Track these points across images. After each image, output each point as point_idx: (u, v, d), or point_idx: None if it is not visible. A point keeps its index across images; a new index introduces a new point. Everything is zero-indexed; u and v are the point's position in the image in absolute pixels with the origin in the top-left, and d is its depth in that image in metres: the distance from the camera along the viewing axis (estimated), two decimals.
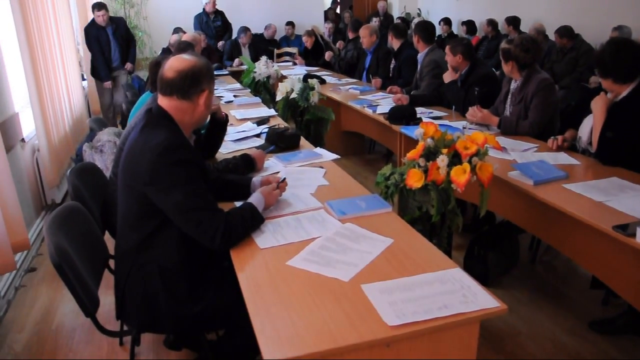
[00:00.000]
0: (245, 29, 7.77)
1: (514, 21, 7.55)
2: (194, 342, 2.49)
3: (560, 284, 3.21)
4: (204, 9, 8.24)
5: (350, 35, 6.86)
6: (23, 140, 3.88)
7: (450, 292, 1.52)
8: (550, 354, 2.56)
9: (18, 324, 2.92)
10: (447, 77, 4.10)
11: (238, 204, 2.15)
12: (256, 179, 2.31)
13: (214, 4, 8.19)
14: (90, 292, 1.90)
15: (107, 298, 2.47)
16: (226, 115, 2.84)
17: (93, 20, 6.31)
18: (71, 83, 5.26)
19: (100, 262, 2.20)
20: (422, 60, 4.68)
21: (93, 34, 6.31)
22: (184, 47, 4.35)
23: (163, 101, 1.91)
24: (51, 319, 2.97)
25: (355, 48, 6.64)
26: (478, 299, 1.48)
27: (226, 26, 8.20)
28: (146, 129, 1.87)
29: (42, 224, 3.96)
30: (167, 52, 5.79)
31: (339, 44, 7.90)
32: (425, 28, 4.78)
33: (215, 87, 2.13)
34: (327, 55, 6.77)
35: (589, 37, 6.29)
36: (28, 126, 4.05)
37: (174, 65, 1.89)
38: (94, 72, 6.45)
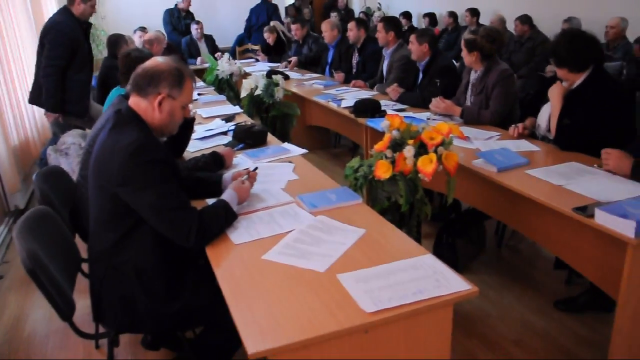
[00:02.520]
0: (196, 22, 7.59)
1: (475, 12, 7.71)
2: (172, 342, 2.49)
3: (526, 266, 3.33)
4: (176, 5, 8.15)
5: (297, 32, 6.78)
6: None
7: (424, 277, 1.58)
8: (519, 333, 2.66)
9: None
10: (393, 95, 4.19)
11: (210, 201, 2.17)
12: (227, 175, 2.32)
13: (189, 3, 8.12)
14: (66, 296, 1.89)
15: (79, 302, 2.44)
16: (193, 114, 2.84)
17: None
18: (29, 83, 5.13)
19: (74, 265, 2.18)
20: (390, 55, 4.74)
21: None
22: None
23: (132, 100, 1.93)
24: (22, 326, 2.91)
25: (315, 43, 6.66)
26: (450, 283, 1.54)
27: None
28: (116, 129, 1.87)
29: (5, 231, 3.88)
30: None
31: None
32: (397, 24, 4.86)
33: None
34: (293, 61, 6.70)
35: (544, 29, 6.50)
36: None
37: (145, 64, 1.92)
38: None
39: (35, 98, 4.17)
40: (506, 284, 3.09)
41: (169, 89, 1.92)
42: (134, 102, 1.93)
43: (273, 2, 8.93)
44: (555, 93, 2.88)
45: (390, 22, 4.77)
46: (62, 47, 4.01)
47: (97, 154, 1.90)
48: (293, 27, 6.81)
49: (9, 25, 4.55)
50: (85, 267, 2.28)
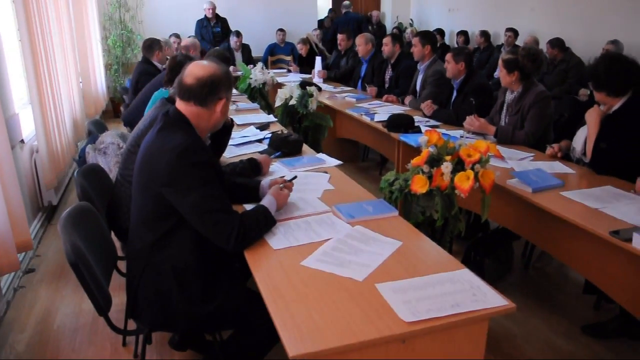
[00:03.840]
0: (236, 33, 7.83)
1: (516, 32, 7.70)
2: (199, 343, 2.53)
3: (553, 289, 3.30)
4: (205, 15, 8.35)
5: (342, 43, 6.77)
6: (22, 141, 3.89)
7: (461, 291, 1.60)
8: (545, 355, 2.64)
9: (19, 325, 2.92)
10: (427, 111, 4.22)
11: (247, 206, 2.22)
12: (265, 181, 2.36)
13: (213, 10, 8.32)
14: (104, 291, 1.94)
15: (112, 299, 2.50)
16: (232, 120, 2.90)
17: None
18: (70, 84, 5.27)
19: (110, 262, 2.24)
20: (425, 70, 4.78)
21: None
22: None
23: (181, 105, 1.97)
24: (52, 319, 2.98)
25: (353, 58, 6.70)
26: (487, 298, 1.56)
27: (226, 33, 8.28)
28: (164, 131, 1.92)
29: (38, 226, 3.98)
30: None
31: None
32: (433, 38, 4.93)
33: None
34: (323, 72, 6.78)
35: (579, 51, 6.47)
36: (26, 127, 4.06)
37: (193, 71, 1.95)
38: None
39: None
40: (533, 306, 3.07)
41: (226, 92, 1.99)
42: (185, 108, 1.96)
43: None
44: (592, 116, 2.88)
45: (427, 36, 4.84)
46: None
47: (143, 154, 1.96)
48: (339, 36, 6.74)
49: (52, 23, 4.68)
50: (119, 264, 2.34)
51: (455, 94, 4.22)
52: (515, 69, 3.44)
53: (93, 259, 1.96)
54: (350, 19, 9.87)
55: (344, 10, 10.33)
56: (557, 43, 6.52)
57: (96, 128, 3.97)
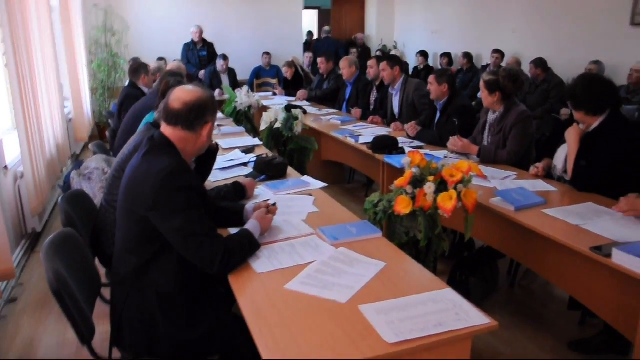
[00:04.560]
0: (223, 57, 7.89)
1: (500, 53, 7.84)
2: None
3: (539, 306, 3.32)
4: (192, 39, 8.42)
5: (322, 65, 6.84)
6: (6, 167, 3.87)
7: (444, 310, 1.61)
8: None
9: (0, 356, 2.86)
10: (411, 132, 4.26)
11: (231, 230, 2.22)
12: (249, 205, 2.37)
13: (200, 34, 8.40)
14: (87, 319, 1.92)
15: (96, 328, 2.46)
16: (217, 144, 2.91)
17: None
18: (53, 109, 5.26)
19: (94, 289, 2.22)
20: (400, 90, 4.91)
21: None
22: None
23: (167, 129, 1.98)
24: (35, 351, 2.91)
25: (335, 80, 6.77)
26: (470, 317, 1.57)
27: (212, 56, 8.36)
28: (149, 155, 1.93)
29: (21, 254, 3.93)
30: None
31: None
32: (399, 59, 5.13)
33: None
34: (302, 93, 6.89)
35: (559, 71, 6.60)
36: (9, 153, 4.04)
37: (180, 96, 1.97)
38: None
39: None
40: (519, 324, 3.08)
41: (212, 116, 2.02)
42: (171, 132, 1.98)
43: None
44: (572, 135, 2.93)
45: (393, 59, 5.01)
46: None
47: (128, 178, 1.96)
48: (319, 60, 6.83)
49: (37, 47, 4.69)
50: (104, 291, 2.32)
51: (438, 115, 4.27)
52: (496, 90, 3.50)
53: (76, 286, 1.94)
54: (330, 43, 10.13)
55: (324, 35, 10.52)
56: (540, 63, 6.66)
57: (99, 150, 3.92)
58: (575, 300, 2.68)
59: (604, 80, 2.88)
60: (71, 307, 1.81)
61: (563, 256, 2.39)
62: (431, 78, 4.18)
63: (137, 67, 5.30)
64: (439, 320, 1.55)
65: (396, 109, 4.97)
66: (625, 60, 5.67)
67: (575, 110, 2.91)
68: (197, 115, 1.97)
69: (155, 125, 2.54)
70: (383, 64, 4.90)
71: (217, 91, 7.29)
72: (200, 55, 8.48)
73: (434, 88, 4.15)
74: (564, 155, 3.01)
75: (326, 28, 10.68)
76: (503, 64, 7.50)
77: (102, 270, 2.44)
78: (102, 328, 2.15)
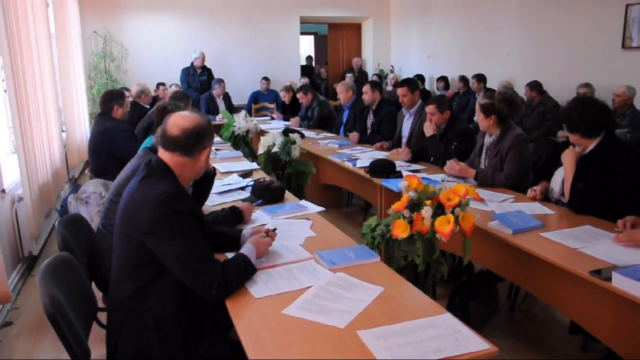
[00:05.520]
0: (219, 81, 7.95)
1: (480, 78, 7.93)
2: None
3: (540, 330, 3.29)
4: (192, 63, 8.49)
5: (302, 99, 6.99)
6: (3, 190, 3.87)
7: (443, 336, 1.59)
8: None
9: None
10: (428, 130, 4.27)
11: (229, 254, 2.21)
12: (246, 230, 2.37)
13: (203, 60, 8.47)
14: (82, 344, 1.89)
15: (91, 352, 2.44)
16: (214, 168, 2.92)
17: None
18: (51, 132, 5.27)
19: (90, 313, 2.20)
20: (415, 114, 4.93)
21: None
22: (179, 96, 4.50)
23: (165, 155, 1.99)
24: None
25: (318, 107, 6.83)
26: (470, 342, 1.55)
27: (211, 82, 8.42)
28: (146, 180, 1.94)
29: (17, 277, 3.90)
30: (136, 104, 5.94)
31: None
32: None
33: None
34: (295, 121, 6.99)
35: (553, 94, 6.66)
36: (7, 176, 4.04)
37: (178, 122, 1.98)
38: None
39: None
40: (520, 349, 3.05)
41: (209, 141, 2.04)
42: (169, 158, 1.99)
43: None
44: (568, 157, 2.95)
45: (413, 84, 5.04)
46: None
47: (125, 203, 1.96)
48: (298, 95, 7.06)
49: (36, 72, 4.73)
50: (100, 316, 2.30)
51: (438, 139, 4.29)
52: (492, 113, 3.52)
53: (72, 310, 1.92)
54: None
55: None
56: (535, 86, 6.73)
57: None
58: (576, 324, 2.66)
59: (598, 102, 2.90)
60: (66, 332, 1.78)
61: (562, 280, 2.38)
62: (432, 108, 4.19)
63: (110, 97, 4.55)
64: (438, 346, 1.54)
65: (406, 132, 4.98)
66: (618, 83, 5.72)
67: (570, 132, 2.93)
68: (195, 141, 1.98)
69: (153, 150, 2.55)
70: (403, 90, 4.89)
71: (218, 116, 7.28)
72: (201, 80, 8.54)
73: (437, 117, 4.18)
74: (561, 178, 3.02)
75: None
76: (495, 88, 7.53)
77: (98, 295, 2.42)
78: (98, 352, 2.13)
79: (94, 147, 4.50)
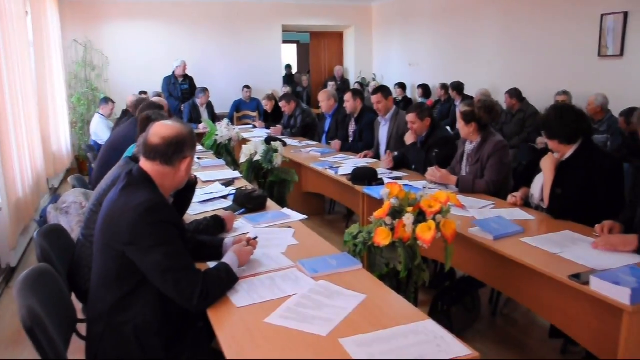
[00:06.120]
0: (203, 90, 7.93)
1: (457, 87, 8.02)
2: None
3: (521, 335, 3.32)
4: (173, 72, 8.45)
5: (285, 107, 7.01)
6: None
7: (425, 342, 1.60)
8: None
9: None
10: (409, 139, 4.29)
11: (211, 264, 2.20)
12: (228, 239, 2.36)
13: (184, 69, 8.44)
14: (61, 356, 1.87)
15: None
16: (195, 177, 2.90)
17: None
18: (31, 142, 5.21)
19: (70, 325, 2.17)
20: (391, 120, 4.96)
21: None
22: (150, 104, 4.41)
23: (146, 164, 1.97)
24: None
25: (300, 115, 6.84)
26: (452, 348, 1.56)
27: (193, 90, 8.40)
28: (127, 189, 1.92)
29: None
30: (125, 113, 5.90)
31: None
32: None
33: None
34: (276, 130, 6.99)
35: (533, 101, 6.76)
36: None
37: (159, 131, 1.97)
38: None
39: None
40: (501, 353, 3.08)
41: (190, 151, 2.03)
42: (150, 167, 1.97)
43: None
44: (547, 164, 2.99)
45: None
46: None
47: (106, 213, 1.94)
48: (281, 104, 7.06)
49: (13, 78, 4.67)
50: (80, 327, 2.27)
51: (419, 146, 4.32)
52: (472, 121, 3.56)
53: (51, 322, 1.89)
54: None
55: None
56: (515, 93, 6.81)
57: (78, 183, 3.85)
58: (556, 328, 2.69)
59: (576, 110, 2.96)
60: (45, 345, 1.75)
61: (543, 284, 2.41)
62: (412, 117, 4.21)
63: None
64: (420, 352, 1.54)
65: (383, 139, 5.00)
66: (594, 90, 5.81)
67: (549, 139, 2.98)
68: (175, 150, 1.97)
69: (134, 159, 2.53)
70: (377, 97, 4.92)
71: (201, 125, 7.24)
72: (182, 88, 8.51)
73: (418, 125, 4.20)
74: (540, 184, 3.06)
75: None
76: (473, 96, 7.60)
77: (78, 306, 2.39)
78: None
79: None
